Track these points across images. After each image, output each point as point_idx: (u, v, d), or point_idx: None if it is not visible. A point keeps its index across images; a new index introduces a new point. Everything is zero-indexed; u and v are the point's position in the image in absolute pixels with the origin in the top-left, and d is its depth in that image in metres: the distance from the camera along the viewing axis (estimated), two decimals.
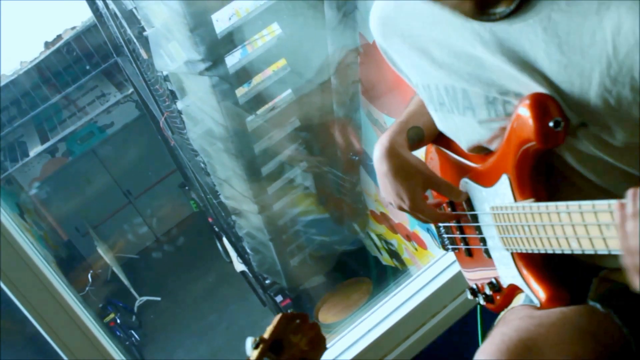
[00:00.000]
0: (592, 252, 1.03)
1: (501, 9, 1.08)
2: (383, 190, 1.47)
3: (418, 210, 1.42)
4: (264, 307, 8.10)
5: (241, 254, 6.46)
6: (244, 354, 1.21)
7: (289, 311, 1.34)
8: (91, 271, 9.97)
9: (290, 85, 4.50)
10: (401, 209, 1.45)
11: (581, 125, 1.09)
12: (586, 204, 0.99)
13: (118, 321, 9.02)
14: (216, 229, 7.98)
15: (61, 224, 11.52)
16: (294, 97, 4.60)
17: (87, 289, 9.37)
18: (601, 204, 0.95)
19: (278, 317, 1.26)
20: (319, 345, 1.29)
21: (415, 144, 1.49)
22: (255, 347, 1.20)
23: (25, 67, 9.33)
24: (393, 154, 1.43)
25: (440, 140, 1.52)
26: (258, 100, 4.44)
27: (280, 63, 4.43)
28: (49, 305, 1.63)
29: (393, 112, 4.17)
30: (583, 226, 1.01)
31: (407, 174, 1.41)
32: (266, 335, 1.22)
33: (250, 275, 7.12)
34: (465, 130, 1.32)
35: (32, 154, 10.08)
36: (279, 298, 6.54)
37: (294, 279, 6.26)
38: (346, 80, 4.41)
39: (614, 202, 0.91)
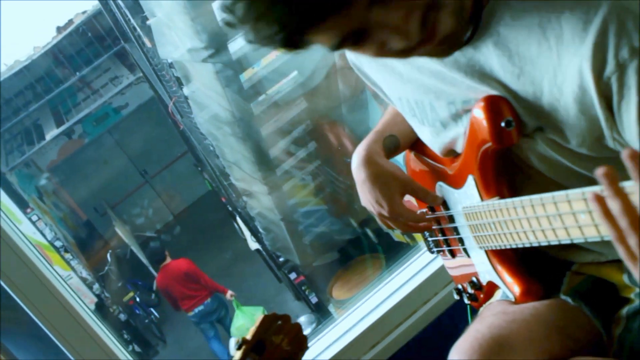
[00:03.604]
0: (556, 243, 1.06)
1: None
2: (362, 197, 1.51)
3: (397, 214, 1.44)
4: (279, 283, 8.17)
5: (254, 232, 6.51)
6: None
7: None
8: (110, 250, 10.03)
9: (296, 67, 4.51)
10: (381, 215, 1.47)
11: (538, 129, 1.12)
12: (547, 196, 1.02)
13: (137, 299, 9.11)
14: (229, 209, 8.03)
15: (80, 205, 11.63)
16: (300, 79, 4.61)
17: (106, 268, 9.44)
18: (559, 194, 0.98)
19: (260, 318, 1.30)
20: (300, 345, 1.34)
21: (392, 151, 1.53)
22: (239, 348, 1.24)
23: (38, 52, 9.39)
24: (370, 162, 1.46)
25: (417, 146, 1.56)
26: (263, 83, 4.47)
27: None
28: (50, 305, 1.69)
29: None
30: (546, 218, 1.04)
31: (384, 181, 1.44)
32: (249, 336, 1.27)
33: (264, 253, 7.17)
34: (436, 139, 1.36)
35: (48, 137, 10.17)
36: (292, 275, 6.56)
37: (306, 256, 6.29)
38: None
39: (575, 192, 0.94)
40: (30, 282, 1.67)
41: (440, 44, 1.02)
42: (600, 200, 0.86)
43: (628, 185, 0.83)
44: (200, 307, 7.58)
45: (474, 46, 1.10)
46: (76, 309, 1.71)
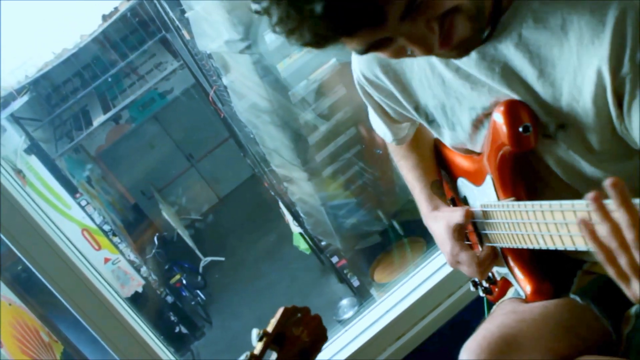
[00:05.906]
0: (562, 249, 1.10)
1: None
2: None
3: (459, 263, 1.51)
4: (323, 265, 8.23)
5: (296, 217, 6.57)
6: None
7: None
8: (157, 233, 10.14)
9: (334, 54, 4.53)
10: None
11: (560, 127, 1.15)
12: (555, 204, 1.05)
13: (184, 282, 9.15)
14: (272, 193, 8.10)
15: (128, 189, 11.77)
16: (338, 67, 4.63)
17: (153, 251, 9.54)
18: (580, 203, 1.00)
19: (280, 310, 1.36)
20: (320, 336, 1.39)
21: (443, 193, 1.59)
22: (260, 340, 1.30)
23: (85, 40, 9.49)
24: (429, 227, 1.57)
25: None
26: (302, 71, 4.50)
27: None
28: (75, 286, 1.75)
29: None
30: (554, 224, 1.08)
31: (439, 242, 1.54)
32: (269, 328, 1.32)
33: (306, 236, 7.23)
34: (455, 142, 1.39)
35: (95, 123, 10.28)
36: (334, 259, 6.60)
37: (347, 240, 6.32)
38: None
39: (582, 202, 0.96)
40: (63, 273, 1.74)
41: (455, 48, 1.06)
42: (587, 225, 0.90)
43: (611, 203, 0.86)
44: None
45: (495, 48, 1.13)
46: (109, 299, 1.78)
